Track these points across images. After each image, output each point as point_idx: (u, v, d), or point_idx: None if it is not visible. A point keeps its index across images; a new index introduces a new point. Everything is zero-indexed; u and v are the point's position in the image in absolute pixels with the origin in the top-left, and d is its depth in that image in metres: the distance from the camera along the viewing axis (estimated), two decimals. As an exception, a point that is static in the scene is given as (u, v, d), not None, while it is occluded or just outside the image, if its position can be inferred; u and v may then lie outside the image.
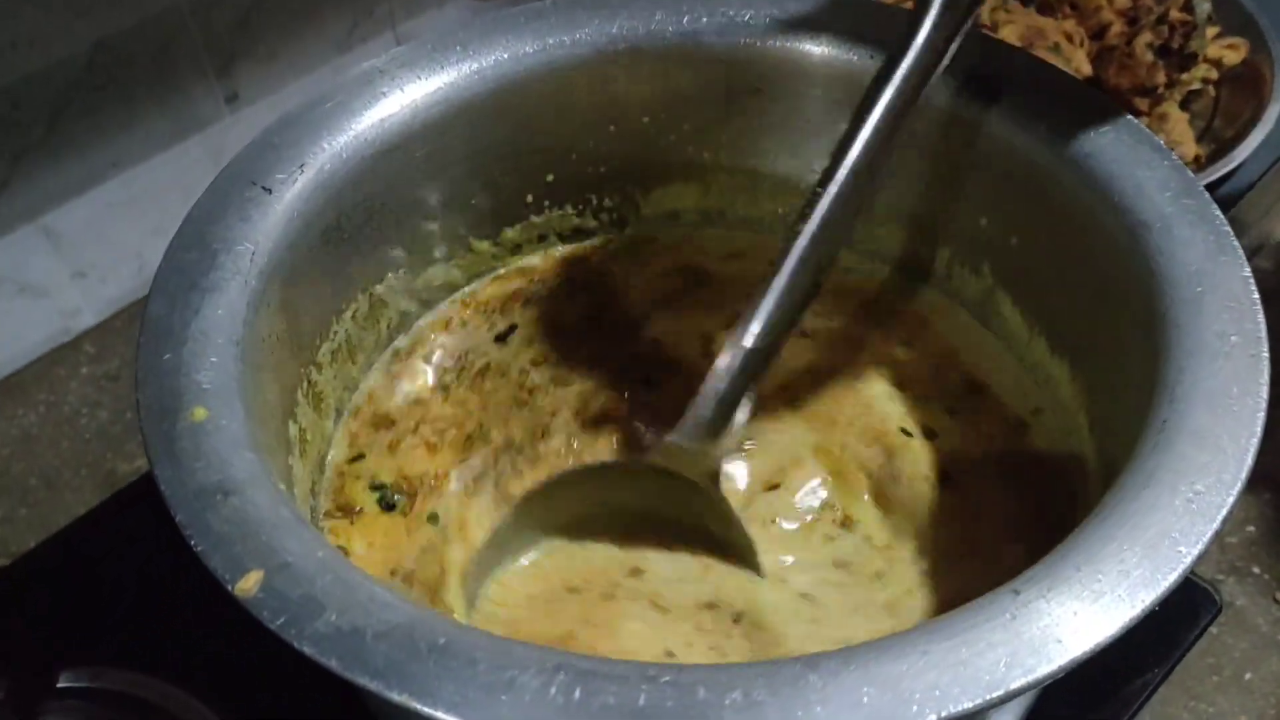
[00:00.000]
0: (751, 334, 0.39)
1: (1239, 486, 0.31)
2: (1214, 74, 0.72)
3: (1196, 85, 0.72)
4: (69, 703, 0.49)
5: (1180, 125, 0.69)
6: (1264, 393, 0.33)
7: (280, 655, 0.29)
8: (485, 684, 0.28)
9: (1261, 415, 0.32)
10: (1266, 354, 0.34)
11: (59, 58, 0.62)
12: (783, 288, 0.39)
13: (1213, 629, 0.58)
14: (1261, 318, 0.35)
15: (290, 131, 0.42)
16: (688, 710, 0.27)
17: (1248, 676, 0.57)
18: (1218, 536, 0.30)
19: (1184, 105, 0.72)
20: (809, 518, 0.44)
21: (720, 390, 0.39)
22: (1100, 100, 0.42)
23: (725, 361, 0.39)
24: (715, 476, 0.41)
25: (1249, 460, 0.31)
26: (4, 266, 0.66)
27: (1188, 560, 0.29)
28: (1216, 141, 0.71)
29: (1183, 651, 0.52)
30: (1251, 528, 0.63)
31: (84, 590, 0.54)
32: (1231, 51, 0.72)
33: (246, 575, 0.30)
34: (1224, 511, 0.30)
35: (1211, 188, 0.68)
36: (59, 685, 0.49)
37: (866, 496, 0.45)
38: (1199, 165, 0.69)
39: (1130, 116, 0.42)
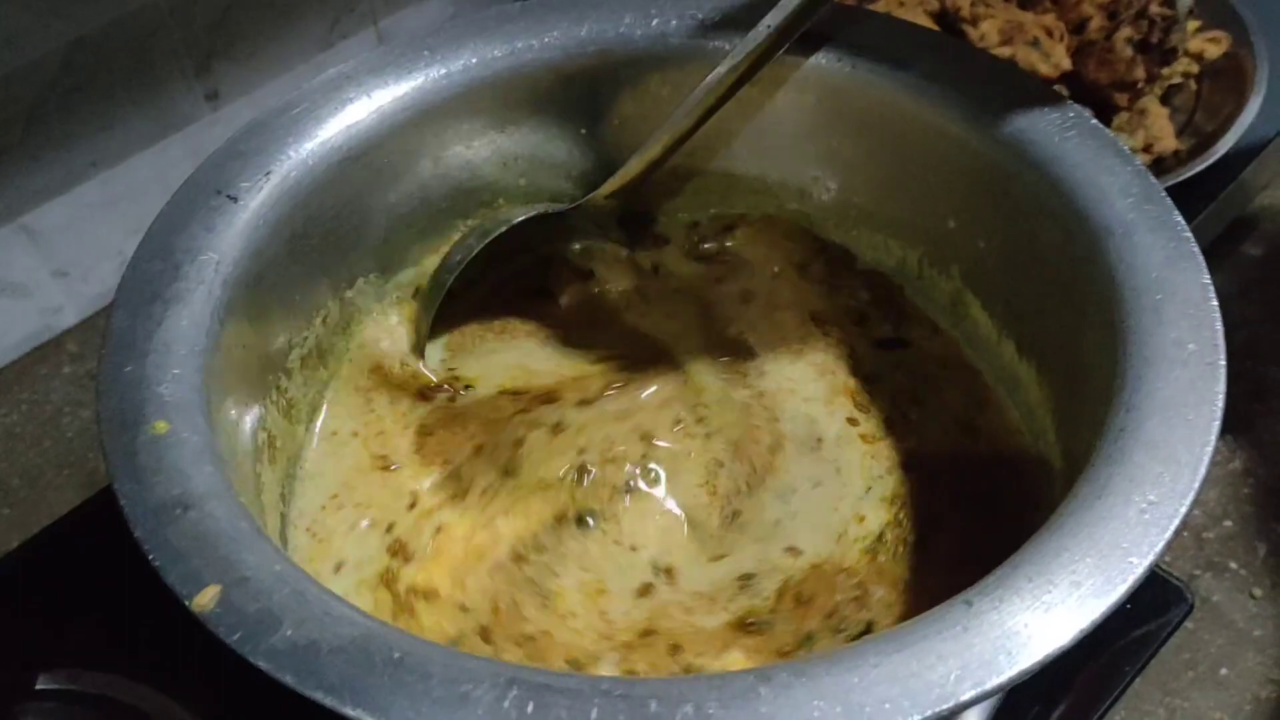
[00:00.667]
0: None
1: (1191, 496, 0.31)
2: (1195, 68, 0.72)
3: (1177, 79, 0.72)
4: (47, 705, 0.49)
5: (1161, 120, 0.69)
6: (1219, 401, 0.33)
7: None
8: (439, 699, 0.28)
9: (1216, 424, 0.33)
10: (1223, 362, 0.34)
11: (35, 57, 0.62)
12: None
13: (1189, 625, 0.59)
14: (1220, 325, 0.35)
15: (256, 139, 0.42)
16: (639, 724, 0.27)
17: (1223, 672, 0.58)
18: (1170, 546, 0.30)
19: (1165, 99, 0.71)
20: None
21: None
22: (1064, 103, 0.42)
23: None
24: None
25: (1202, 470, 0.31)
26: (-16, 266, 0.66)
27: (1139, 570, 0.30)
28: (1198, 135, 0.70)
29: (1155, 649, 0.52)
30: (1229, 523, 0.63)
31: (65, 591, 0.54)
32: (1213, 45, 0.71)
33: (204, 590, 0.30)
34: (1176, 521, 0.30)
35: (1193, 182, 0.68)
36: (37, 687, 0.49)
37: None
38: (1179, 160, 0.69)
39: (1095, 120, 0.42)
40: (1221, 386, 0.33)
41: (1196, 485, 0.31)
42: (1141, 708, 0.56)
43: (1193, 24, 0.72)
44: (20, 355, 0.70)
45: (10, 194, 0.65)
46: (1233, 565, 0.61)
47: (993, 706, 0.44)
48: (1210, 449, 0.32)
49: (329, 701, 0.28)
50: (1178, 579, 0.55)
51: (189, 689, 0.49)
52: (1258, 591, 0.60)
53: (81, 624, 0.53)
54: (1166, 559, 0.61)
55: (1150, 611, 0.53)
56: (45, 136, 0.65)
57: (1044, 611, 0.29)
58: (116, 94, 0.67)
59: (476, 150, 0.47)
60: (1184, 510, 0.31)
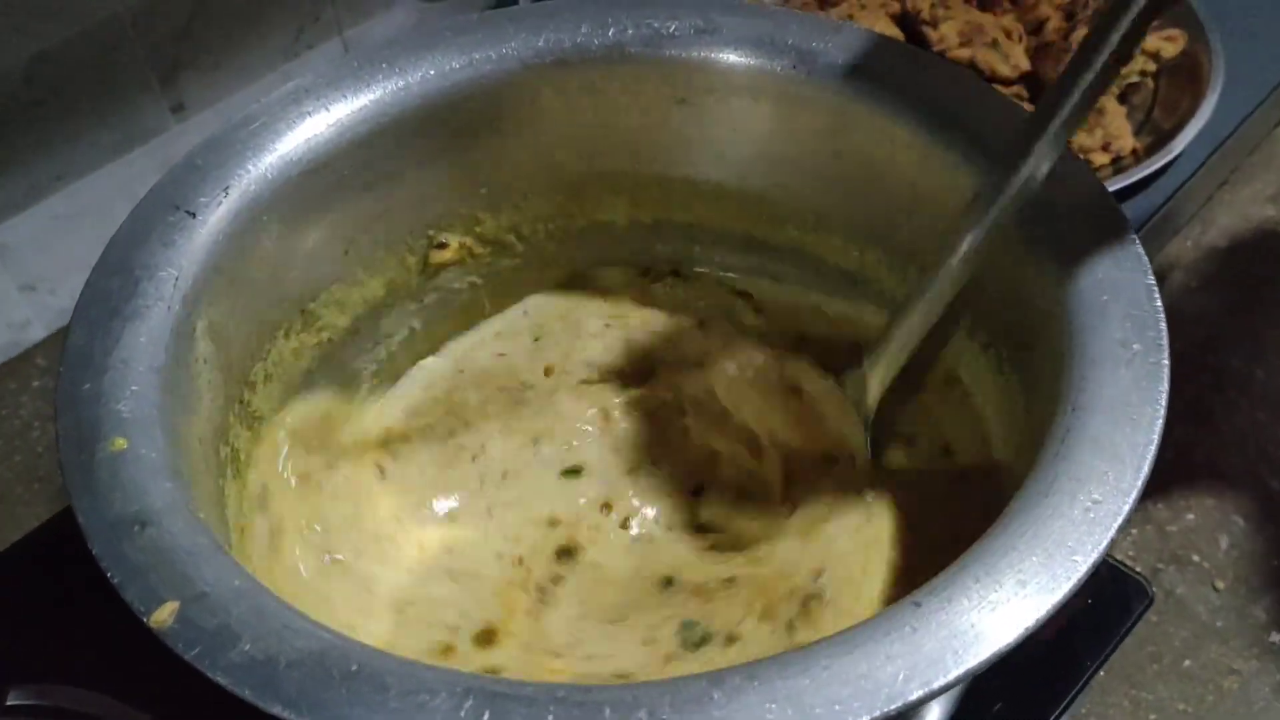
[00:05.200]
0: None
1: (1135, 494, 0.32)
2: (1152, 66, 0.73)
3: (1134, 78, 0.73)
4: (18, 720, 0.49)
5: (1118, 118, 0.70)
6: (1163, 400, 0.34)
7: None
8: (395, 709, 0.28)
9: (1160, 423, 0.33)
10: (1167, 362, 0.35)
11: (-4, 71, 0.62)
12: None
13: (1152, 617, 0.59)
14: (1164, 325, 0.36)
15: (214, 154, 0.42)
16: (593, 730, 0.28)
17: (1187, 664, 0.58)
18: (1114, 543, 0.31)
19: (1122, 98, 0.72)
20: None
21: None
22: (1017, 109, 0.43)
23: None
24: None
25: (1146, 469, 0.32)
26: (-50, 282, 0.66)
27: (1084, 568, 0.30)
28: (1155, 133, 0.71)
29: (1118, 642, 0.52)
30: (1191, 515, 0.64)
31: (36, 606, 0.54)
32: (1169, 44, 0.72)
33: (162, 606, 0.30)
34: (1120, 519, 0.31)
35: (1151, 179, 0.69)
36: (7, 703, 0.49)
37: None
38: (1137, 157, 0.70)
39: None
40: (1165, 386, 0.34)
41: (1140, 483, 0.32)
42: (1106, 700, 0.57)
43: (1149, 23, 0.73)
44: (-12, 370, 0.70)
45: (-25, 208, 0.65)
46: (1195, 558, 0.62)
47: (954, 701, 0.45)
48: (1154, 447, 0.33)
49: (288, 715, 0.28)
50: (1140, 573, 0.56)
51: (162, 703, 0.49)
52: (1220, 584, 0.61)
53: (53, 639, 0.53)
54: (1130, 553, 0.62)
55: (1113, 605, 0.54)
56: (9, 150, 0.64)
57: (990, 611, 0.30)
58: (81, 107, 0.66)
59: (436, 160, 0.48)
60: (1128, 508, 0.31)
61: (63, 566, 0.55)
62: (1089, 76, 0.36)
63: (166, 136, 0.71)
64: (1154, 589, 0.54)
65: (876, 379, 0.45)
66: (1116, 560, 0.55)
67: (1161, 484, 0.64)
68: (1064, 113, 0.37)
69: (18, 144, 0.65)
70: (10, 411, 0.68)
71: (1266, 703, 0.56)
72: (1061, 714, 0.52)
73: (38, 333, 0.71)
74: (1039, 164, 0.38)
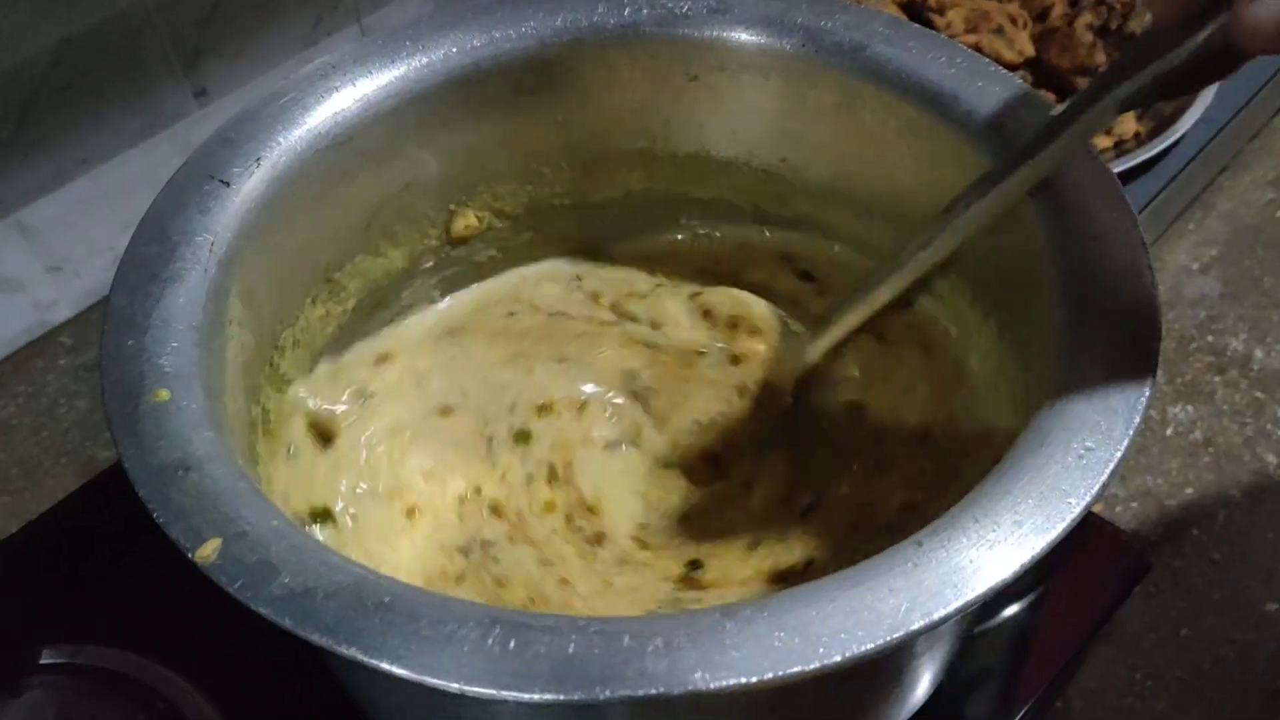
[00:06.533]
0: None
1: (1127, 442, 0.33)
2: (1153, 52, 0.74)
3: (1136, 64, 0.74)
4: (51, 678, 0.51)
5: (1119, 103, 0.71)
6: (1155, 352, 0.35)
7: (248, 627, 0.31)
8: (427, 637, 0.30)
9: (1152, 375, 0.35)
10: (1158, 315, 0.36)
11: (24, 56, 0.63)
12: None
13: (1151, 588, 0.61)
14: (1154, 279, 0.37)
15: (246, 127, 0.44)
16: (613, 656, 0.29)
17: (1184, 633, 0.60)
18: (1106, 489, 0.32)
19: (1124, 83, 0.74)
20: None
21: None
22: (1020, 86, 0.45)
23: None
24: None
25: (1137, 419, 0.34)
26: (-21, 262, 0.67)
27: (1076, 510, 0.32)
28: (1156, 118, 0.73)
29: (1114, 612, 0.54)
30: (1189, 491, 0.65)
31: (64, 572, 0.56)
32: (1170, 30, 0.74)
33: (205, 543, 0.32)
34: (1111, 466, 0.33)
35: (1152, 163, 0.71)
36: (41, 661, 0.51)
37: None
38: (1139, 141, 0.71)
39: (1036, 91, 0.44)
40: (1158, 339, 0.35)
41: (1131, 432, 0.33)
42: (1106, 669, 0.59)
43: (1150, 9, 0.75)
44: (16, 349, 0.72)
45: (3, 190, 0.66)
46: (1193, 531, 0.63)
47: (950, 667, 0.46)
48: (1145, 399, 0.34)
49: (325, 642, 0.30)
50: (1140, 544, 0.57)
51: (184, 658, 0.51)
52: (1216, 556, 0.62)
53: (81, 602, 0.55)
54: (1130, 525, 0.64)
55: (1113, 575, 0.55)
56: (37, 133, 0.66)
57: (988, 549, 0.31)
58: (106, 92, 0.68)
59: (457, 135, 0.49)
60: (1119, 455, 0.33)
61: (92, 533, 0.57)
62: (1128, 90, 0.36)
63: (189, 121, 0.73)
64: (1153, 560, 0.56)
65: (830, 336, 0.48)
66: (1119, 530, 0.57)
67: (1161, 460, 0.66)
68: (1093, 114, 0.38)
69: (45, 127, 0.66)
70: (37, 389, 0.70)
71: (1262, 670, 0.58)
72: (1062, 680, 0.53)
73: (63, 312, 0.73)
74: (1056, 158, 0.39)
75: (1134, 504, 0.64)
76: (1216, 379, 0.70)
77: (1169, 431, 0.67)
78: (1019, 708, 0.50)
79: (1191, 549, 0.63)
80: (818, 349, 0.49)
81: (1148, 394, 0.34)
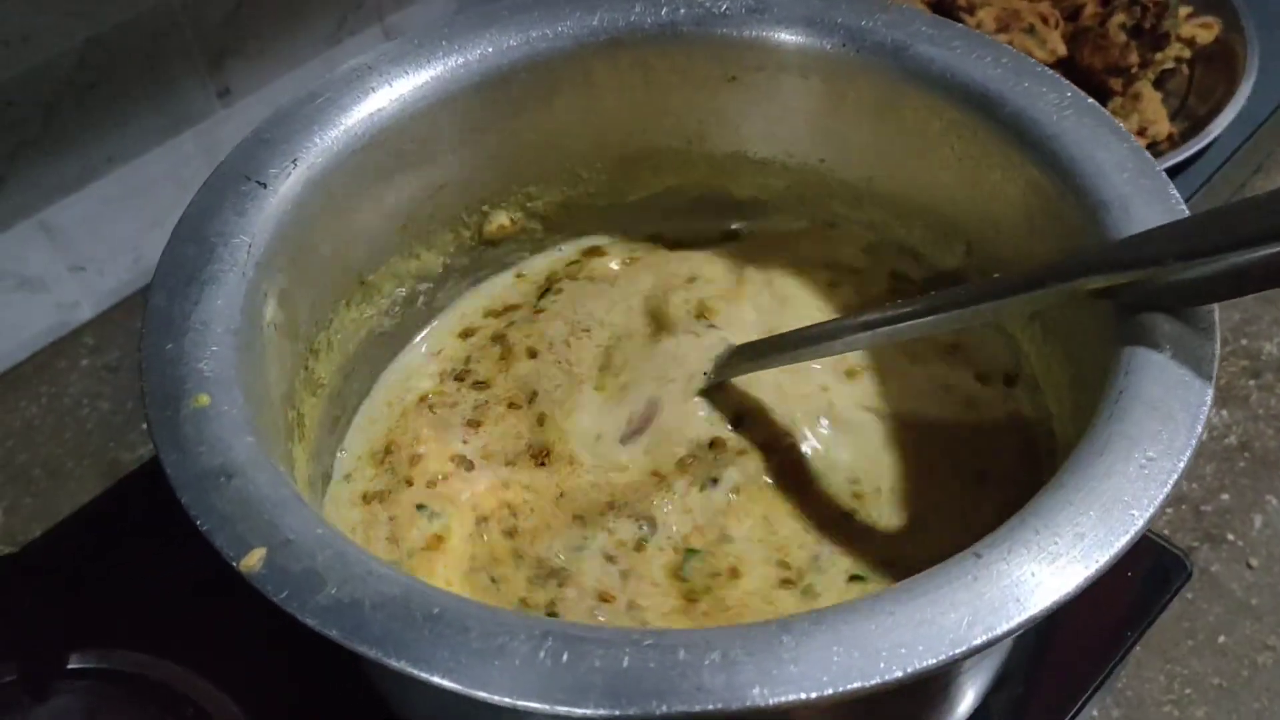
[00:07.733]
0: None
1: (1189, 452, 0.32)
2: (1187, 53, 0.73)
3: (1170, 64, 0.73)
4: (79, 683, 0.51)
5: (1154, 104, 0.70)
6: (1214, 361, 0.35)
7: (275, 630, 0.31)
8: (477, 650, 0.29)
9: (1211, 383, 0.34)
10: (1217, 324, 0.36)
11: (51, 55, 0.63)
12: None
13: (1188, 594, 0.60)
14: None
15: (282, 127, 0.43)
16: (669, 670, 0.29)
17: (1221, 640, 0.59)
18: (1169, 500, 0.32)
19: (1158, 84, 0.73)
20: None
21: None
22: (1062, 84, 0.44)
23: None
24: None
25: (1199, 428, 0.33)
26: (3, 261, 0.67)
27: (1140, 523, 0.31)
28: (1190, 119, 0.72)
29: (1154, 617, 0.53)
30: (1226, 496, 0.64)
31: (90, 576, 0.56)
32: (1204, 30, 0.73)
33: (250, 552, 0.31)
34: (1174, 476, 0.32)
35: (1185, 164, 0.70)
36: (70, 666, 0.51)
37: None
38: (1172, 143, 0.70)
39: (1092, 100, 0.43)
40: (1216, 349, 0.35)
41: (1194, 442, 0.33)
42: (1142, 674, 0.58)
43: (1183, 10, 0.74)
44: (39, 349, 0.71)
45: (28, 190, 0.66)
46: (1230, 537, 0.63)
47: (996, 671, 0.46)
48: (1206, 408, 0.33)
49: (374, 654, 0.29)
50: (1177, 549, 0.56)
51: (211, 663, 0.50)
52: (1254, 561, 0.62)
53: (110, 605, 0.54)
54: (1166, 530, 0.63)
55: (1150, 581, 0.54)
56: (62, 133, 0.66)
57: (1050, 562, 0.31)
58: (131, 91, 0.68)
59: (492, 136, 0.49)
60: (1182, 465, 0.32)
61: (119, 537, 0.57)
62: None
63: (213, 121, 0.73)
64: (1190, 566, 0.55)
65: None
66: (1156, 535, 0.56)
67: (1196, 465, 0.65)
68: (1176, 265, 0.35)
69: (70, 126, 0.66)
70: (60, 389, 0.70)
71: (1301, 678, 0.57)
72: (1099, 687, 0.53)
73: (86, 313, 0.73)
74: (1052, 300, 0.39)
75: (1169, 509, 0.64)
76: (1251, 383, 0.69)
77: (1204, 436, 0.66)
78: (1057, 717, 0.50)
79: (1229, 554, 0.62)
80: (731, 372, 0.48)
81: (1208, 403, 0.33)
